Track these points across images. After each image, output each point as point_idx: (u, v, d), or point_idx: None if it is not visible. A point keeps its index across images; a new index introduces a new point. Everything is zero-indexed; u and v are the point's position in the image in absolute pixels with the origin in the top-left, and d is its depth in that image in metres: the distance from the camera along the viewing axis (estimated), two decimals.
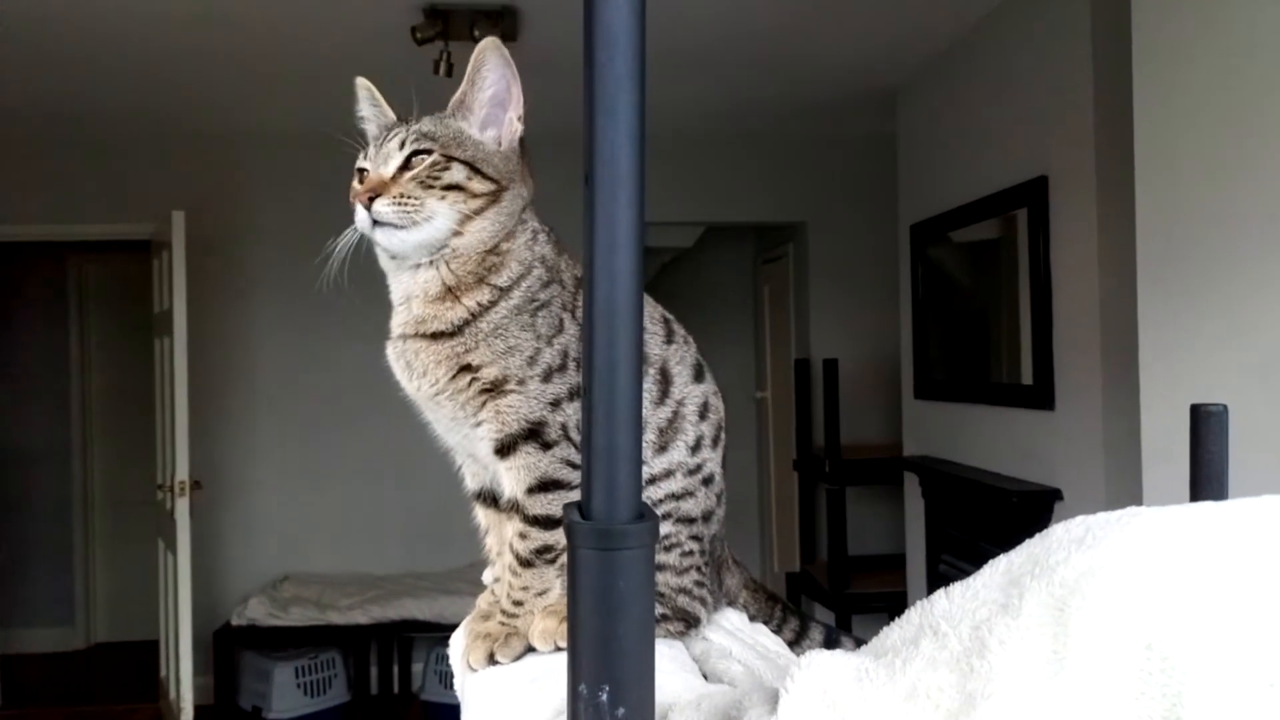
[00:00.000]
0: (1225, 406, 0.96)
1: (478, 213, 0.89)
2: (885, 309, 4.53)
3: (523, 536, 0.86)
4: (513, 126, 0.93)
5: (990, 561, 0.58)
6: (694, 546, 0.92)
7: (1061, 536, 0.56)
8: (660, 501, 0.90)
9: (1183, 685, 0.49)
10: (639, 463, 0.51)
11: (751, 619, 1.00)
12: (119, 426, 5.57)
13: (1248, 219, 1.84)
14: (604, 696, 0.50)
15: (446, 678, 4.09)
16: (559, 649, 0.82)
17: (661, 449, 0.91)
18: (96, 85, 3.85)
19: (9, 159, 4.52)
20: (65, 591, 5.55)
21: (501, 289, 0.88)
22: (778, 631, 1.03)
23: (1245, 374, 1.83)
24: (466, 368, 0.86)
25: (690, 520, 0.92)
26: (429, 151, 0.89)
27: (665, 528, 0.91)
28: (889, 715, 0.53)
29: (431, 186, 0.88)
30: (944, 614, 0.57)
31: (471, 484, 0.99)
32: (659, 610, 0.89)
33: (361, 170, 0.93)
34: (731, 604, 1.03)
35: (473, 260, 0.89)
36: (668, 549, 0.90)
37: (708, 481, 0.94)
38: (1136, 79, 2.11)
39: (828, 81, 4.01)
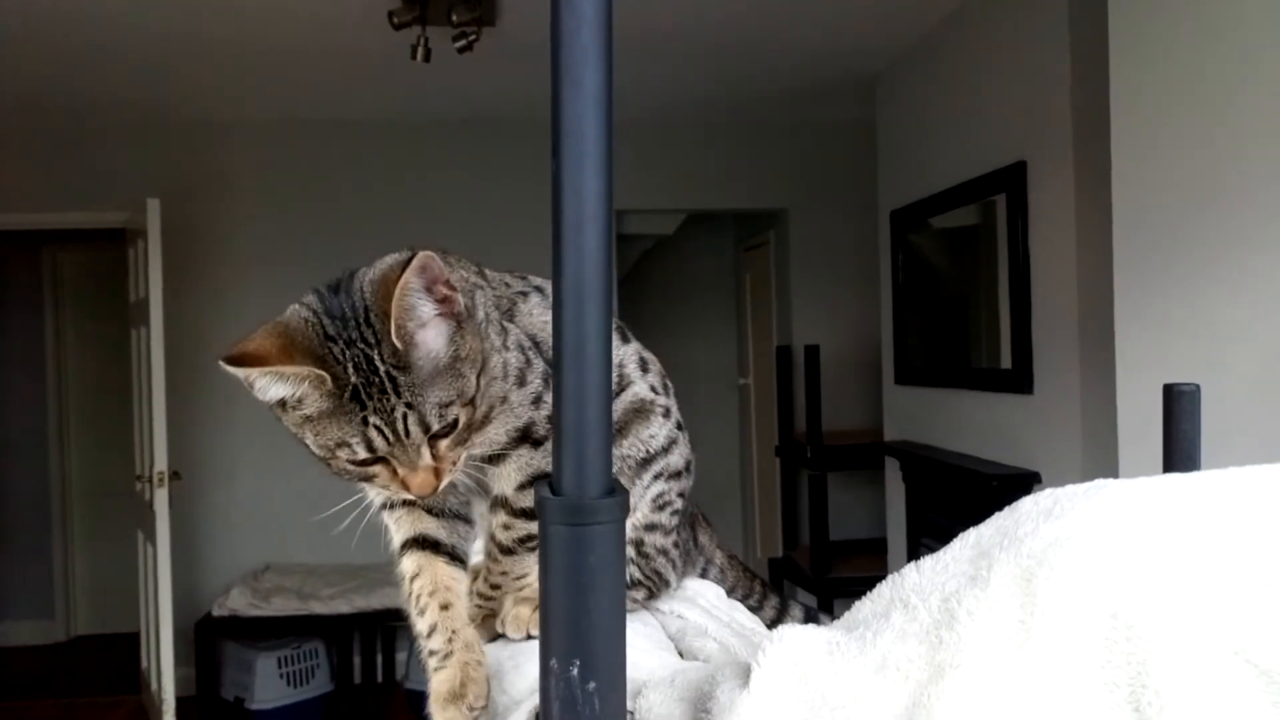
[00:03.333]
0: (1197, 386, 0.97)
1: (477, 360, 0.80)
2: (866, 295, 4.55)
3: (507, 527, 0.86)
4: (454, 298, 0.78)
5: (960, 535, 0.59)
6: (680, 504, 0.93)
7: (1030, 509, 0.57)
8: (648, 459, 0.90)
9: (1148, 653, 0.49)
10: (609, 438, 0.51)
11: (730, 591, 1.01)
12: (97, 417, 5.52)
13: (1222, 204, 1.86)
14: (575, 671, 0.50)
15: None
16: (530, 637, 0.82)
17: (619, 393, 0.90)
18: (72, 72, 3.80)
19: None
20: (44, 584, 5.51)
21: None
22: (758, 610, 1.04)
23: (1219, 355, 1.85)
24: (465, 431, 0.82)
25: (677, 474, 0.92)
26: (455, 417, 0.78)
27: (658, 486, 0.91)
28: (859, 687, 0.54)
29: (469, 430, 0.80)
30: (914, 587, 0.57)
31: (400, 536, 0.92)
32: (633, 573, 0.90)
33: (362, 460, 0.78)
34: (709, 563, 1.03)
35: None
36: (660, 509, 0.91)
37: (680, 427, 0.95)
38: (1113, 65, 2.12)
39: (807, 68, 4.01)
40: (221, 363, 0.75)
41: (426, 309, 0.75)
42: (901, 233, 3.89)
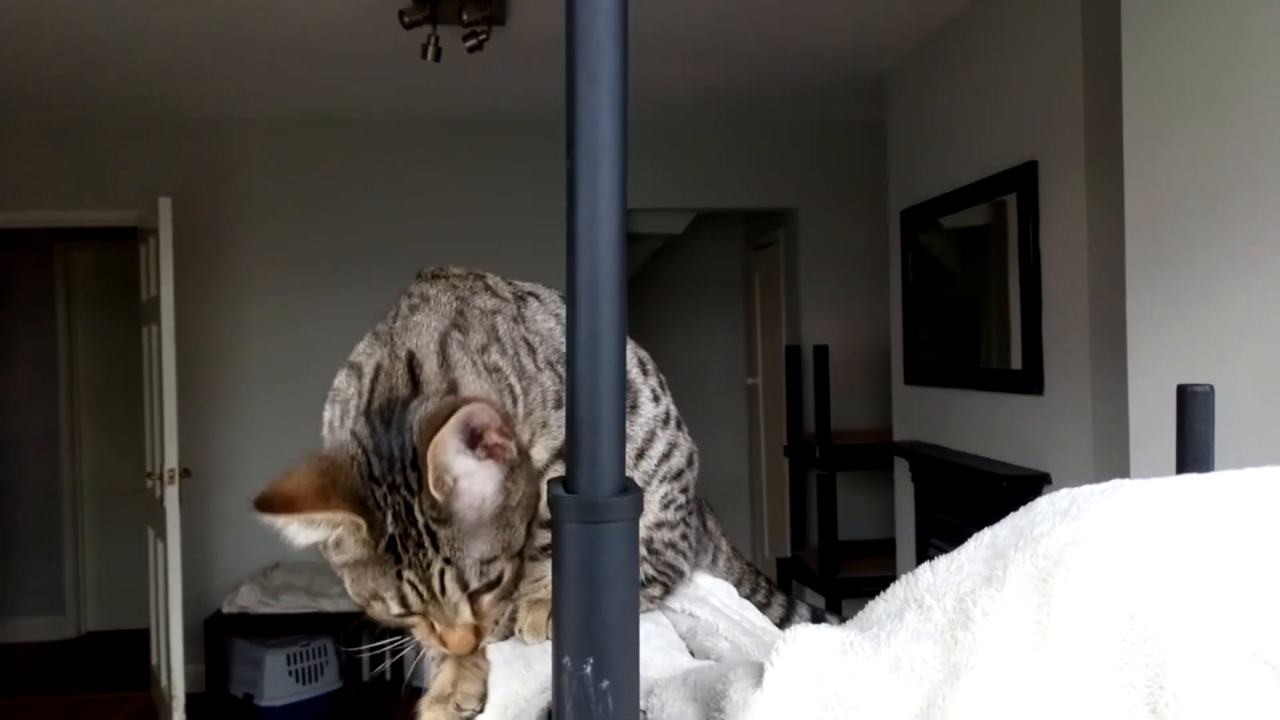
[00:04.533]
0: (1211, 387, 0.96)
1: (531, 505, 0.75)
2: (876, 295, 4.54)
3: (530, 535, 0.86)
4: (505, 444, 0.73)
5: (975, 534, 0.58)
6: (683, 499, 0.93)
7: (1046, 509, 0.56)
8: (654, 470, 0.90)
9: (1165, 655, 0.49)
10: (623, 435, 0.51)
11: (736, 583, 1.01)
12: (108, 414, 5.54)
13: (1236, 204, 1.84)
14: (588, 669, 0.50)
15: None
16: (548, 640, 0.82)
17: (631, 410, 0.90)
18: (84, 70, 3.81)
19: None
20: (55, 580, 5.54)
21: (513, 412, 0.80)
22: (765, 607, 1.04)
23: (1232, 356, 1.84)
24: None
25: (679, 473, 0.92)
26: (500, 573, 0.73)
27: (662, 489, 0.91)
28: (873, 687, 0.53)
29: (512, 590, 0.75)
30: (928, 587, 0.57)
31: None
32: (647, 571, 0.89)
33: (408, 613, 0.73)
34: (718, 550, 1.03)
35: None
36: (665, 506, 0.91)
37: (679, 425, 0.94)
38: (1126, 64, 2.11)
39: (817, 67, 4.00)
40: (254, 509, 0.70)
41: (469, 461, 0.70)
42: (911, 232, 3.88)
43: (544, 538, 0.85)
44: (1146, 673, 0.49)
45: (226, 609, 4.17)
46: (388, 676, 4.52)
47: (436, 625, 0.73)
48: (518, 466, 0.73)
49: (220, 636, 4.22)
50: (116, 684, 4.72)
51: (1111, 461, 2.65)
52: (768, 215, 5.38)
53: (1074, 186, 2.79)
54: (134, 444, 4.54)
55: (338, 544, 0.72)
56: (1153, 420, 2.03)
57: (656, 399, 0.93)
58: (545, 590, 0.84)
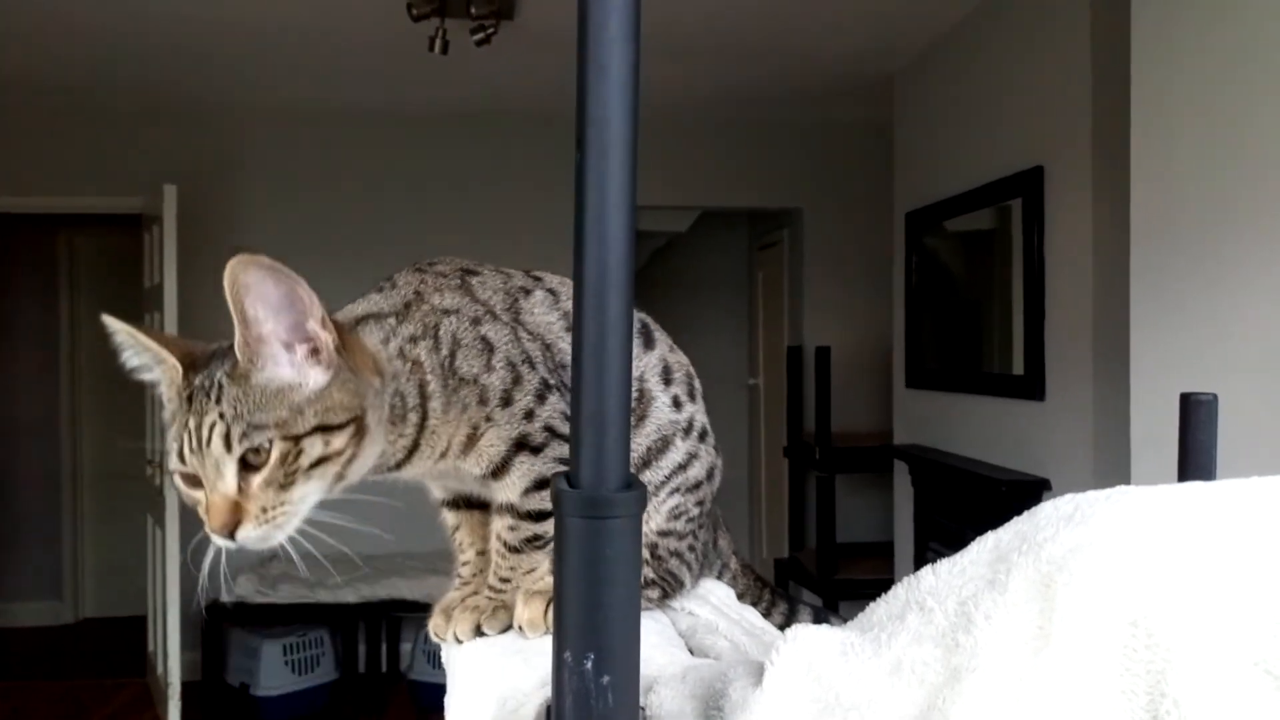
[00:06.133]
0: (1215, 395, 0.96)
1: (352, 459, 0.76)
2: (879, 297, 4.53)
3: (513, 529, 0.86)
4: (322, 338, 0.75)
5: (978, 538, 0.58)
6: (697, 511, 0.93)
7: (1050, 514, 0.56)
8: (666, 479, 0.90)
9: (1167, 662, 0.49)
10: (628, 430, 0.51)
11: (740, 596, 1.00)
12: (108, 401, 5.54)
13: (1241, 212, 1.84)
14: (589, 665, 0.50)
15: (434, 657, 4.09)
16: (549, 633, 0.82)
17: (639, 421, 0.90)
18: (89, 57, 3.81)
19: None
20: (53, 566, 5.54)
21: (420, 404, 0.82)
22: (766, 615, 1.03)
23: (1235, 364, 1.84)
24: (442, 453, 0.84)
25: (696, 486, 0.92)
26: (268, 442, 0.72)
27: (674, 500, 0.91)
28: (873, 689, 0.53)
29: (293, 481, 0.73)
30: (930, 590, 0.57)
31: (440, 494, 0.96)
32: (647, 574, 0.89)
33: (185, 476, 0.75)
34: (724, 567, 1.03)
35: (378, 453, 0.80)
36: (675, 517, 0.91)
37: (703, 436, 0.94)
38: (1134, 71, 2.10)
39: (825, 68, 4.00)
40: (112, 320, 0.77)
41: (277, 329, 0.74)
42: (916, 235, 3.87)
43: (527, 530, 0.85)
44: (1148, 680, 0.49)
45: (224, 598, 4.17)
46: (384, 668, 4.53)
47: (208, 493, 0.73)
48: (335, 366, 0.75)
49: (217, 625, 4.22)
50: (113, 670, 4.72)
51: (1112, 469, 2.65)
52: (772, 215, 5.38)
53: (1080, 192, 2.79)
54: (134, 431, 4.54)
55: (161, 394, 0.77)
56: (1155, 428, 2.03)
57: (677, 405, 0.92)
58: (542, 582, 0.84)
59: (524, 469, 0.84)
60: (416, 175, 4.70)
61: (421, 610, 4.28)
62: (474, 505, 0.93)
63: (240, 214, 4.63)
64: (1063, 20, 2.86)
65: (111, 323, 0.78)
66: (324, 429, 0.73)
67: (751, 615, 0.93)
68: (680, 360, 0.96)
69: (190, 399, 0.74)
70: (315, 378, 0.74)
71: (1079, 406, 2.80)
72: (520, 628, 0.82)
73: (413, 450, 0.82)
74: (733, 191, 4.94)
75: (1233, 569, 0.51)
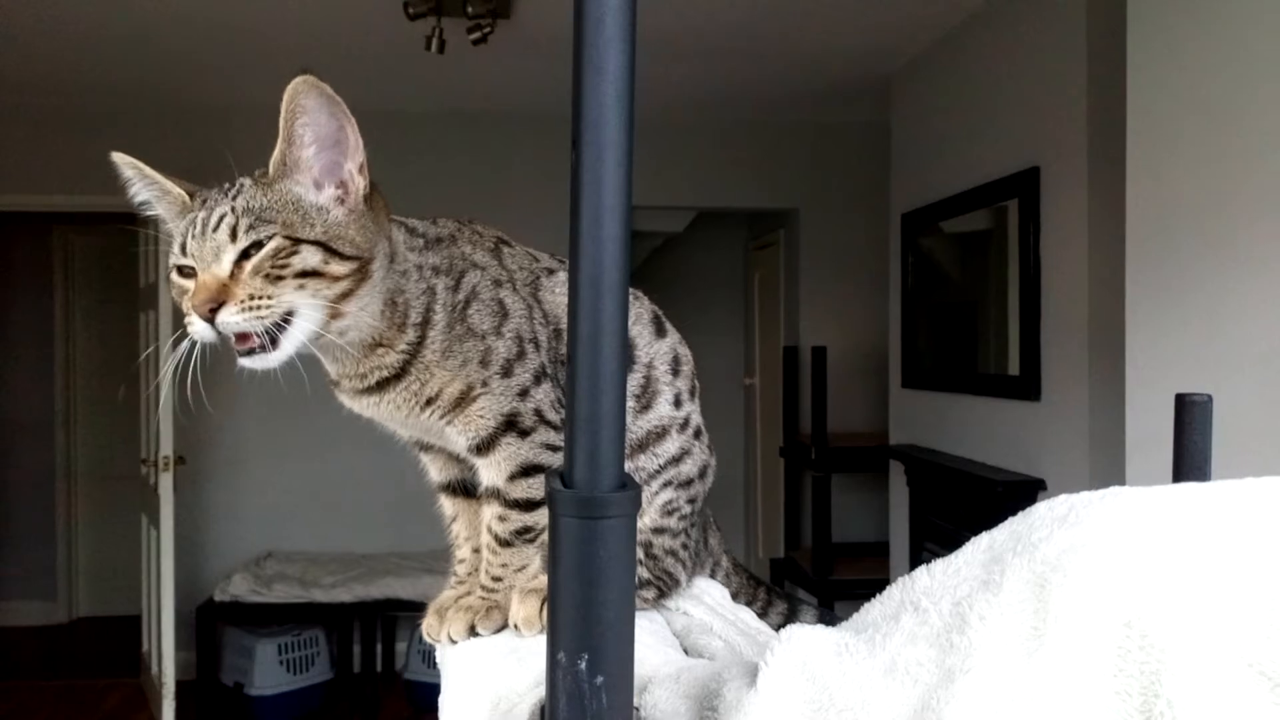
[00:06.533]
0: (1210, 396, 0.96)
1: (347, 295, 0.77)
2: (875, 298, 4.54)
3: (502, 519, 0.86)
4: (355, 184, 0.79)
5: (973, 539, 0.58)
6: (689, 509, 0.93)
7: (1044, 514, 0.56)
8: (659, 470, 0.90)
9: (1161, 663, 0.49)
10: (622, 431, 0.51)
11: (734, 595, 1.00)
12: (103, 400, 5.53)
13: (1237, 212, 1.84)
14: (583, 665, 0.49)
15: (429, 657, 4.09)
16: (545, 631, 0.81)
17: (645, 408, 0.90)
18: (87, 55, 3.80)
19: None
20: (48, 565, 5.53)
21: (420, 324, 0.83)
22: (763, 614, 1.03)
23: (1231, 365, 1.84)
24: (429, 400, 0.84)
25: (688, 482, 0.92)
26: (269, 237, 0.75)
27: (667, 494, 0.91)
28: (868, 689, 0.53)
29: (282, 277, 0.75)
30: (925, 590, 0.57)
31: (437, 477, 0.97)
32: (642, 574, 0.89)
33: (183, 268, 0.78)
34: (716, 565, 1.03)
35: (371, 329, 0.81)
36: (668, 514, 0.91)
37: (698, 434, 0.94)
38: (1130, 71, 2.11)
39: (821, 69, 4.00)
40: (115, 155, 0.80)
41: (315, 150, 0.78)
42: (912, 236, 3.88)
43: (517, 521, 0.85)
44: (1142, 680, 0.49)
45: (219, 597, 4.16)
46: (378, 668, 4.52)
47: (200, 275, 0.76)
48: (358, 212, 0.79)
49: (212, 624, 4.21)
50: (107, 670, 4.71)
51: (1107, 469, 2.65)
52: (768, 215, 5.38)
53: (1076, 193, 2.79)
54: (130, 430, 4.53)
55: (170, 224, 0.81)
56: (1150, 428, 2.03)
57: (678, 403, 0.92)
58: (536, 581, 0.84)
59: (510, 451, 0.84)
60: (412, 175, 4.70)
61: (416, 610, 4.25)
62: (471, 493, 0.93)
63: None
64: (1058, 21, 2.87)
65: (119, 157, 0.81)
66: (327, 248, 0.76)
67: (746, 615, 0.93)
68: (688, 355, 0.97)
69: (204, 201, 0.78)
70: (335, 212, 0.78)
71: (1074, 407, 2.80)
72: (516, 626, 0.82)
73: (401, 372, 0.82)
74: (729, 192, 4.94)
75: (1227, 570, 0.51)
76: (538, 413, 0.84)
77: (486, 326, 0.83)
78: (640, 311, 0.94)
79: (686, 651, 0.83)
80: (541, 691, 0.60)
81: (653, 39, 3.54)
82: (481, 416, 0.84)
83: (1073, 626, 0.50)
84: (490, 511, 0.87)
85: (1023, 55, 3.08)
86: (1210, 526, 0.54)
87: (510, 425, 0.84)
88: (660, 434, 0.91)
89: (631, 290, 0.94)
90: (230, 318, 0.74)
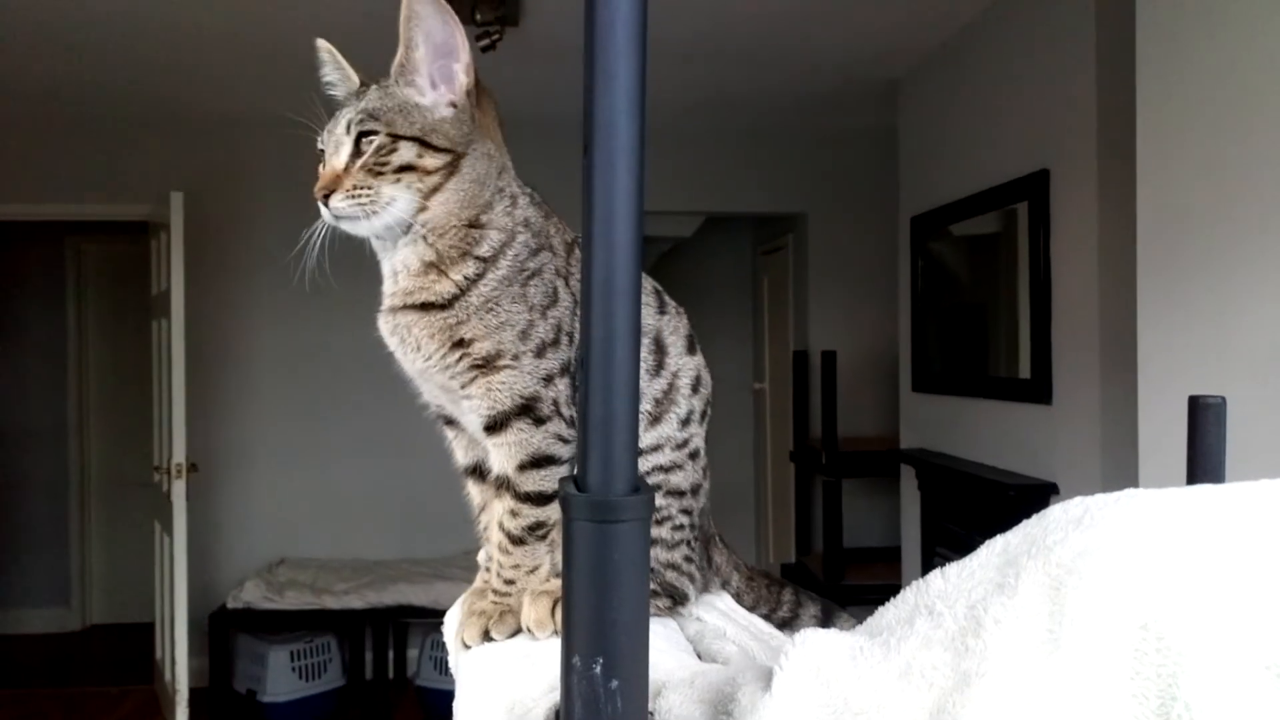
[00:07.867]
0: (1223, 399, 0.96)
1: (437, 189, 0.86)
2: (884, 302, 4.53)
3: (514, 514, 0.86)
4: (459, 81, 0.88)
5: (987, 542, 0.58)
6: (684, 520, 0.92)
7: (1059, 517, 0.56)
8: (648, 474, 0.90)
9: (1178, 666, 0.49)
10: (635, 435, 0.51)
11: (751, 608, 0.99)
12: (116, 407, 5.56)
13: (1248, 215, 1.84)
14: (597, 669, 0.50)
15: (441, 663, 4.09)
16: (558, 634, 0.81)
17: (655, 420, 0.90)
18: (96, 64, 3.83)
19: (7, 138, 4.50)
20: (61, 573, 5.55)
21: (485, 260, 0.86)
22: (794, 617, 1.02)
23: (1244, 368, 1.83)
24: (459, 343, 0.85)
25: (680, 493, 0.91)
26: (375, 133, 0.86)
27: (657, 500, 0.90)
28: (883, 693, 0.53)
29: (383, 172, 0.85)
30: (939, 594, 0.57)
31: (463, 459, 0.97)
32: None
33: (322, 151, 0.91)
34: (725, 584, 1.02)
35: (451, 233, 0.87)
36: (659, 523, 0.90)
37: (694, 456, 0.94)
38: (1140, 74, 2.10)
39: (829, 72, 4.00)
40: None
41: (435, 60, 0.87)
42: (921, 239, 3.87)
43: (529, 515, 0.85)
44: (1159, 684, 0.49)
45: (231, 604, 4.18)
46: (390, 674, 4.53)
47: (325, 164, 0.89)
48: (462, 108, 0.89)
49: (225, 631, 4.23)
50: (120, 677, 4.73)
51: (1120, 472, 2.64)
52: (777, 219, 5.38)
53: (1086, 195, 2.78)
54: (142, 437, 4.55)
55: (342, 99, 0.93)
56: (1163, 431, 2.02)
57: (687, 421, 0.92)
58: (548, 583, 0.84)
59: (521, 437, 0.85)
60: None
61: (429, 616, 4.29)
62: (489, 481, 0.94)
63: (246, 220, 4.64)
64: (1067, 23, 2.86)
65: (321, 43, 0.94)
66: (421, 142, 0.86)
67: (759, 620, 0.93)
68: (708, 380, 0.97)
69: (345, 102, 0.91)
70: (441, 109, 0.88)
71: (1086, 410, 2.79)
72: (528, 628, 0.82)
73: (447, 305, 0.86)
74: (738, 196, 4.94)
75: (1243, 572, 0.51)
76: (555, 403, 0.85)
77: (537, 302, 0.86)
78: (678, 325, 0.95)
79: (700, 656, 0.83)
80: (556, 696, 0.60)
81: (659, 44, 3.55)
82: (502, 389, 0.85)
83: (1088, 629, 0.50)
84: (502, 506, 0.87)
85: (1031, 57, 3.07)
86: (1226, 528, 0.54)
87: (527, 409, 0.84)
88: (655, 447, 0.91)
89: (674, 306, 0.96)
90: (339, 204, 0.86)
